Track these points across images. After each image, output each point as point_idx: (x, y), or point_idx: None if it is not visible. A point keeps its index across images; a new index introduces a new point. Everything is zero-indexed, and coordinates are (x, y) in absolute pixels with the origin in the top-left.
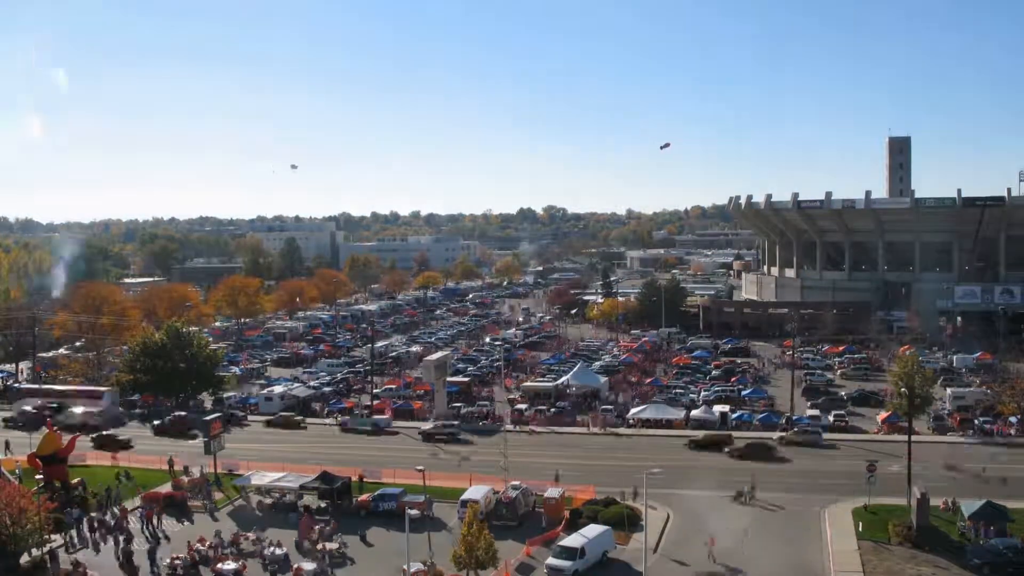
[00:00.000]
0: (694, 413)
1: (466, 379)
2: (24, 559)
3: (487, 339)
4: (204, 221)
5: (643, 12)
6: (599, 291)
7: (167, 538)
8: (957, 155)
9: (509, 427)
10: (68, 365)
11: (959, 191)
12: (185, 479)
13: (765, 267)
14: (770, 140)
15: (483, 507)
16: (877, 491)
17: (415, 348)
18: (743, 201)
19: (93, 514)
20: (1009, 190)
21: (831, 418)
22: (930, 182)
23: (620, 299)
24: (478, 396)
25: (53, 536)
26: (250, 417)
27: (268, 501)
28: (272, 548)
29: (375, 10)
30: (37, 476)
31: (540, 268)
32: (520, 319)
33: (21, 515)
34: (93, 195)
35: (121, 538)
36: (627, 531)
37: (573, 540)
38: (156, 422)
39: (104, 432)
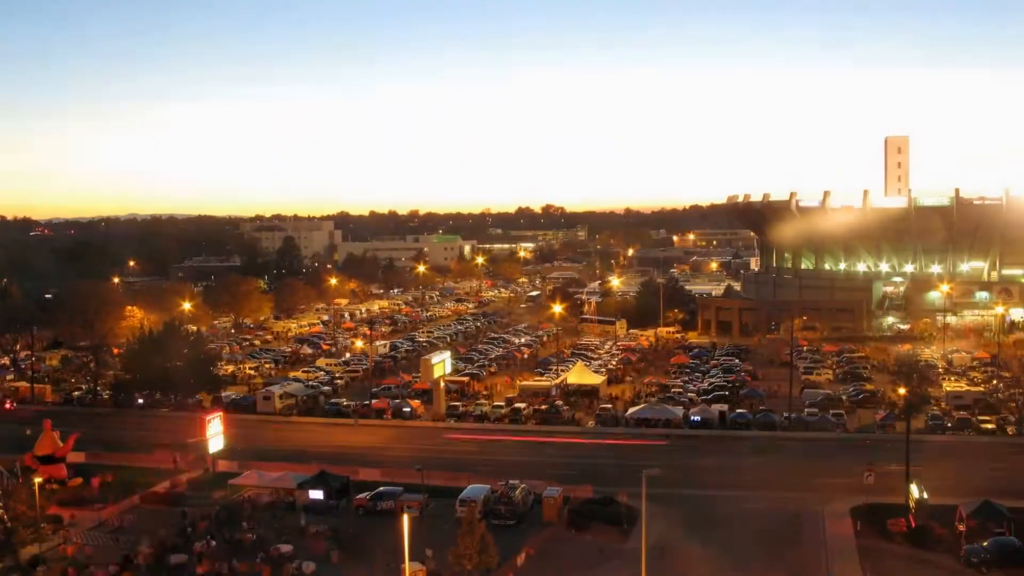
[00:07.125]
0: (692, 412)
1: (464, 378)
2: (22, 558)
3: (487, 338)
4: (202, 220)
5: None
6: (597, 290)
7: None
8: (956, 155)
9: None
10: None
11: (957, 191)
12: (183, 478)
13: (763, 266)
14: (769, 140)
15: (481, 506)
16: (876, 490)
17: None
18: (742, 200)
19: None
20: (1008, 190)
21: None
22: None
23: (618, 298)
24: (477, 395)
25: (51, 535)
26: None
27: (266, 499)
28: (273, 547)
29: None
30: (35, 476)
31: (539, 267)
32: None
33: (19, 514)
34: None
35: (121, 537)
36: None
37: None
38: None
39: None
